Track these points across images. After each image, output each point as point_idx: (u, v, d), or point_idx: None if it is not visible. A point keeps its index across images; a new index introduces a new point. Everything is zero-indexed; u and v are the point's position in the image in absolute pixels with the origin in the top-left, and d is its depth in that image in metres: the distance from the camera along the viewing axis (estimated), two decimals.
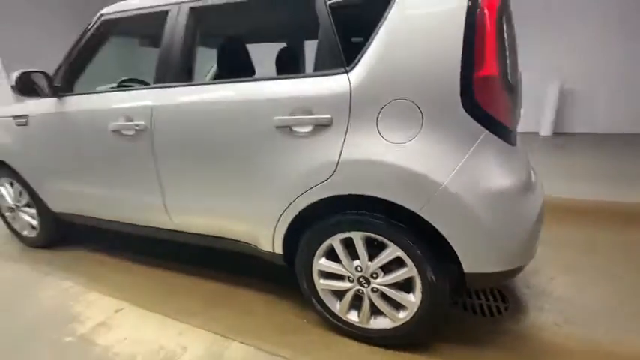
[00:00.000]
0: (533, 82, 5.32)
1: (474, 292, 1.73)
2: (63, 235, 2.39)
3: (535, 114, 5.38)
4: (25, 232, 2.40)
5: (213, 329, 1.54)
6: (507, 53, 1.12)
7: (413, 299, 1.28)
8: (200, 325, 1.57)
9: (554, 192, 2.75)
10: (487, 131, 1.10)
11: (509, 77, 1.12)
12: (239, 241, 1.59)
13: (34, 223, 2.30)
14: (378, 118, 1.17)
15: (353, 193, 1.22)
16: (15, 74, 1.70)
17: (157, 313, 1.67)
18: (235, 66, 1.70)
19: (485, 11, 1.06)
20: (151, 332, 1.55)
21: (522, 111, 1.33)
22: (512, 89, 1.15)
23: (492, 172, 1.11)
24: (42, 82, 1.79)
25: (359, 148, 1.19)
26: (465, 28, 1.06)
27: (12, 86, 1.70)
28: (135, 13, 1.67)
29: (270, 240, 1.45)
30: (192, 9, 1.51)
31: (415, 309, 1.29)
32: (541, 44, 5.16)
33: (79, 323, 1.63)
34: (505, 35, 1.11)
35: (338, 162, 1.21)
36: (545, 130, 5.40)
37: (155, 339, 1.51)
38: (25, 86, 1.74)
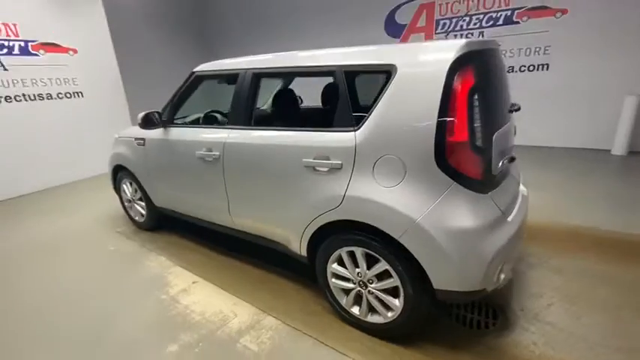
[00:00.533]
0: (608, 94, 4.93)
1: (469, 307, 2.02)
2: (162, 223, 3.25)
3: (607, 130, 4.97)
4: (136, 218, 3.33)
5: (255, 304, 2.13)
6: (479, 122, 1.43)
7: (397, 304, 1.68)
8: (248, 301, 2.17)
9: (612, 225, 2.76)
10: (455, 183, 1.44)
11: (478, 142, 1.44)
12: (277, 242, 2.15)
13: (143, 212, 3.20)
14: (374, 167, 1.59)
15: (353, 219, 1.66)
16: (140, 115, 2.50)
17: (220, 288, 2.33)
18: (284, 113, 2.26)
19: (458, 91, 1.40)
20: (215, 300, 2.20)
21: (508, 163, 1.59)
22: (483, 150, 1.46)
23: (457, 215, 1.45)
24: (155, 117, 2.57)
25: (359, 187, 1.63)
26: (440, 103, 1.42)
27: (138, 123, 2.50)
28: (217, 72, 2.33)
29: (298, 244, 1.97)
30: (254, 74, 2.10)
31: (399, 312, 1.68)
32: (619, 52, 4.75)
33: (170, 287, 2.37)
34: (478, 106, 1.43)
35: (344, 195, 1.67)
36: (619, 148, 4.94)
37: (217, 305, 2.15)
38: (146, 122, 2.53)
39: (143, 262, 2.75)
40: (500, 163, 1.60)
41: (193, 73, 2.48)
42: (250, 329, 1.94)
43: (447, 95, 1.41)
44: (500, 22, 5.47)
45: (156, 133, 2.68)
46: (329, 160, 1.72)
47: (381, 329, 1.79)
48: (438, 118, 1.42)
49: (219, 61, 2.37)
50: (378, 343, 1.80)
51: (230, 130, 2.20)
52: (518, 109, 2.03)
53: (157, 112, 2.57)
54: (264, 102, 3.29)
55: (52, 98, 4.97)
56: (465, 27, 5.77)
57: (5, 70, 4.49)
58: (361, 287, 1.79)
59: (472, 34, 5.73)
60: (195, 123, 2.96)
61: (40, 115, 4.85)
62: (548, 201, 3.37)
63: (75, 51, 5.16)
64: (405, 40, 6.42)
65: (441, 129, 1.42)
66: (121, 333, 1.99)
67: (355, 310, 1.86)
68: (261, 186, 2.06)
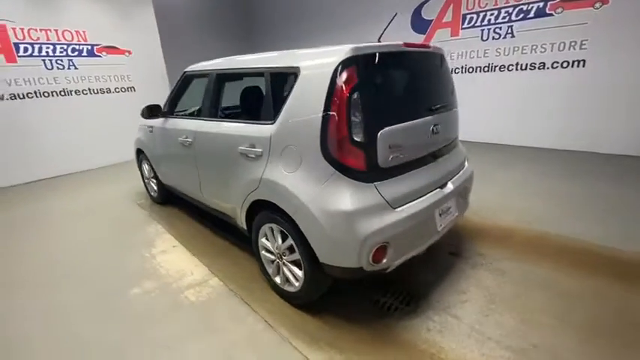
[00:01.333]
0: None
1: (388, 292, 2.17)
2: (169, 198, 3.85)
3: None
4: (152, 193, 4.00)
5: (210, 268, 2.54)
6: (359, 119, 1.62)
7: (300, 275, 1.93)
8: (206, 264, 2.59)
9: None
10: (336, 171, 1.65)
11: (358, 137, 1.62)
12: (230, 216, 2.52)
13: (155, 188, 3.83)
14: (281, 154, 1.86)
15: (266, 199, 1.95)
16: (143, 107, 3.06)
17: (190, 253, 2.79)
18: (240, 107, 2.62)
19: (339, 90, 1.60)
20: (182, 261, 2.67)
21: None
22: (364, 145, 1.64)
23: (336, 199, 1.65)
24: (157, 110, 3.11)
25: (271, 172, 1.91)
26: (325, 100, 1.63)
27: (141, 113, 3.07)
28: (198, 72, 2.77)
29: (239, 218, 2.31)
30: (216, 74, 2.48)
31: (302, 282, 1.93)
32: None
33: (154, 248, 2.91)
34: (360, 105, 1.61)
35: (261, 178, 1.96)
36: None
37: (182, 265, 2.61)
38: (146, 113, 3.08)
39: (144, 227, 3.35)
40: (390, 157, 1.74)
41: (185, 72, 2.96)
42: (197, 285, 2.35)
43: (330, 94, 1.62)
44: (532, 14, 5.08)
45: (159, 122, 3.24)
46: (254, 148, 2.03)
47: (293, 297, 2.06)
48: (323, 113, 1.64)
49: (202, 62, 2.81)
50: (290, 309, 2.07)
51: (201, 120, 2.62)
52: (451, 107, 2.10)
53: (157, 105, 3.11)
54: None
55: (110, 92, 6.00)
56: (492, 21, 5.47)
57: (76, 69, 5.58)
58: (279, 259, 2.07)
59: (500, 28, 5.41)
60: (191, 115, 3.47)
61: (100, 105, 5.91)
62: (547, 212, 3.22)
63: (130, 52, 6.14)
64: (430, 36, 6.29)
65: (324, 123, 1.64)
66: (104, 275, 2.56)
67: (277, 279, 2.15)
68: (216, 168, 2.46)
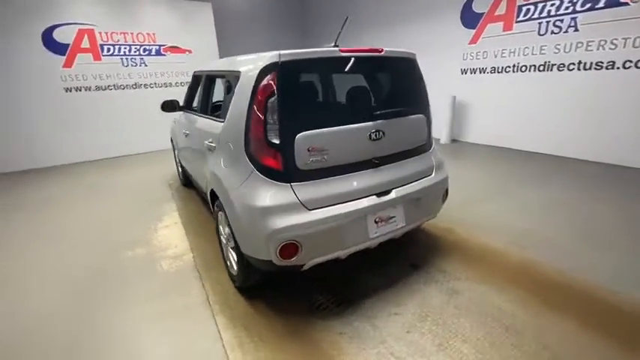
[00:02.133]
0: None
1: (324, 291, 2.22)
2: (190, 181, 4.39)
3: None
4: (180, 176, 4.60)
5: (192, 245, 2.90)
6: (276, 122, 1.72)
7: (235, 260, 2.12)
8: (190, 242, 2.97)
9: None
10: (255, 170, 1.79)
11: (274, 139, 1.73)
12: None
13: (180, 171, 4.41)
14: (223, 150, 2.06)
15: (213, 188, 2.18)
16: (162, 101, 3.56)
17: (185, 230, 3.21)
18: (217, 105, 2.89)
19: (259, 94, 1.73)
20: (175, 237, 3.09)
21: None
22: (281, 146, 1.74)
23: (252, 194, 1.79)
24: (172, 104, 3.59)
25: (215, 165, 2.13)
26: (249, 103, 1.78)
27: (160, 106, 3.58)
28: (199, 72, 3.12)
29: (209, 201, 2.60)
30: (205, 75, 2.78)
31: (237, 267, 2.12)
32: None
33: (160, 222, 3.41)
34: (278, 109, 1.71)
35: (211, 170, 2.20)
36: None
37: (173, 239, 3.03)
38: (164, 106, 3.57)
39: (163, 204, 3.92)
40: (310, 160, 1.79)
41: (194, 73, 3.35)
42: (173, 258, 2.72)
43: (252, 97, 1.75)
44: (601, 4, 4.29)
45: (178, 115, 3.73)
46: (212, 143, 2.27)
47: (233, 279, 2.27)
48: (246, 114, 1.78)
49: (206, 64, 3.16)
50: (233, 290, 2.28)
51: (195, 115, 2.97)
52: (407, 114, 2.04)
53: (174, 100, 3.58)
54: None
55: (171, 86, 6.94)
56: (553, 12, 4.76)
57: (146, 66, 6.60)
58: (227, 243, 2.30)
59: (562, 20, 4.68)
60: (194, 110, 3.88)
61: (163, 97, 6.85)
62: (557, 239, 2.84)
63: (190, 51, 6.98)
64: (479, 31, 5.74)
65: (247, 124, 1.78)
66: (112, 237, 3.12)
67: (228, 262, 2.39)
68: (196, 158, 2.79)
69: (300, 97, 1.82)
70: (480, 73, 5.93)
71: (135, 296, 2.28)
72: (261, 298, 2.19)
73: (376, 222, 2.01)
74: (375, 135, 1.96)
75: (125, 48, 6.33)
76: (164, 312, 2.11)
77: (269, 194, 1.77)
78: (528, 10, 5.02)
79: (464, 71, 6.19)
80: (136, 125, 6.66)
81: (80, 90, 6.11)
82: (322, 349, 1.78)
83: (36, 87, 5.73)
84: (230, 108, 2.02)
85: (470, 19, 5.85)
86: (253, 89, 1.75)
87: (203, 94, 2.86)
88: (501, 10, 5.36)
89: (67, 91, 6.00)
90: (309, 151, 1.78)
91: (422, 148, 2.31)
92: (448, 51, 6.33)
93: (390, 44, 7.68)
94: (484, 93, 5.95)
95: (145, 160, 6.32)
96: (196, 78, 3.37)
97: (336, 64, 1.89)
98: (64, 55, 5.87)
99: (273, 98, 1.71)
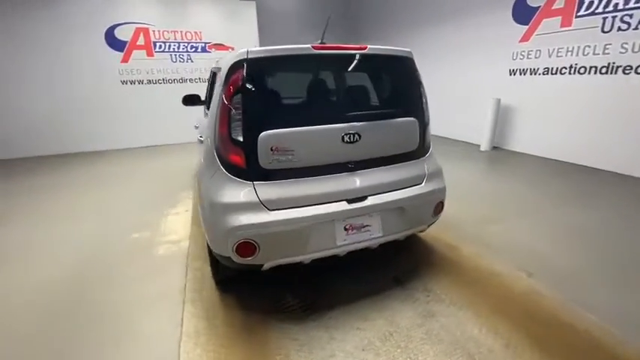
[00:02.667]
0: None
1: (297, 293, 2.18)
2: None
3: None
4: None
5: (190, 233, 3.05)
6: (240, 119, 1.72)
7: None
8: (190, 230, 3.12)
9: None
10: (221, 166, 1.81)
11: (237, 136, 1.73)
12: None
13: None
14: (204, 144, 2.11)
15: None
16: (184, 95, 3.77)
17: (191, 219, 3.38)
18: None
19: (226, 90, 1.74)
20: (180, 225, 3.27)
21: None
22: (244, 144, 1.73)
23: (216, 190, 1.81)
24: (196, 98, 3.78)
25: (199, 159, 2.20)
26: (219, 101, 1.80)
27: (182, 100, 3.80)
28: (216, 69, 3.25)
29: None
30: (212, 71, 2.88)
31: (209, 260, 2.18)
32: None
33: (174, 209, 3.64)
34: (241, 106, 1.71)
35: (199, 159, 2.28)
36: None
37: (177, 228, 3.22)
38: (185, 100, 3.78)
39: (181, 192, 4.18)
40: (273, 160, 1.75)
41: (212, 69, 3.49)
42: (171, 243, 2.89)
43: (222, 93, 1.77)
44: None
45: (201, 109, 3.93)
46: (201, 137, 2.35)
47: (213, 273, 2.33)
48: (216, 111, 1.81)
49: None
50: (210, 283, 2.33)
51: (205, 110, 3.11)
52: (391, 117, 1.91)
53: (196, 95, 3.78)
54: None
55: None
56: (621, 6, 4.06)
57: (192, 62, 7.07)
58: None
59: (631, 15, 3.98)
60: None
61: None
62: (576, 269, 2.46)
63: (233, 48, 7.31)
64: (533, 27, 5.12)
65: (215, 121, 1.80)
66: (127, 219, 3.40)
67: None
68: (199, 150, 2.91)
69: (265, 95, 1.79)
70: (531, 74, 5.30)
71: (123, 276, 2.46)
72: (234, 292, 2.21)
73: (346, 229, 1.91)
74: (350, 138, 1.85)
75: (174, 45, 6.85)
76: (143, 294, 2.24)
77: (230, 191, 1.77)
78: (591, 3, 4.34)
79: (512, 72, 5.59)
80: (179, 117, 7.17)
81: (134, 83, 6.77)
82: (269, 351, 1.74)
83: (97, 80, 6.48)
84: (211, 104, 2.07)
85: (523, 13, 5.25)
86: (223, 85, 1.76)
87: (209, 90, 2.97)
88: (560, 3, 4.72)
89: (122, 84, 6.69)
90: (272, 150, 1.74)
91: (412, 154, 2.13)
92: (495, 49, 5.77)
93: (430, 43, 7.25)
94: (535, 97, 5.32)
95: (181, 150, 6.80)
96: (212, 73, 3.51)
97: (308, 62, 1.82)
98: (122, 51, 6.55)
99: (238, 95, 1.71)
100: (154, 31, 6.65)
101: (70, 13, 6.09)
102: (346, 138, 1.85)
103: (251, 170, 1.77)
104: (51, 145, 6.48)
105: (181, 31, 6.84)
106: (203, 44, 7.08)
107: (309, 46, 1.79)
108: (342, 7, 9.70)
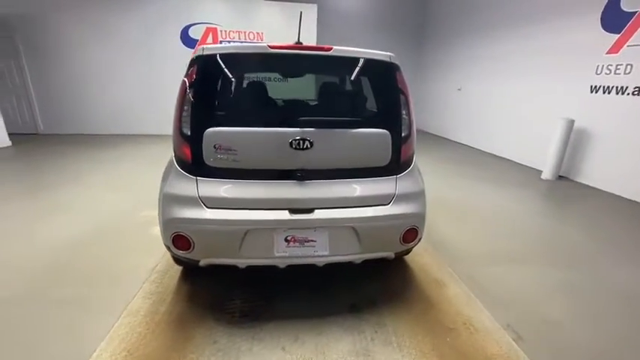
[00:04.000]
0: None
1: (250, 300, 2.13)
2: None
3: None
4: None
5: None
6: (188, 114, 1.74)
7: None
8: None
9: None
10: (173, 157, 1.86)
11: (185, 130, 1.76)
12: None
13: None
14: None
15: None
16: None
17: None
18: None
19: (182, 88, 1.78)
20: None
21: None
22: (190, 139, 1.75)
23: (164, 180, 1.88)
24: None
25: None
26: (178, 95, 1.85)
27: None
28: None
29: None
30: None
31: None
32: None
33: None
34: (192, 101, 1.73)
35: None
36: None
37: None
38: None
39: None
40: (216, 158, 1.72)
41: None
42: None
43: (180, 88, 1.81)
44: None
45: None
46: None
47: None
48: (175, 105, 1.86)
49: None
50: (177, 269, 2.44)
51: None
52: (354, 126, 1.75)
53: None
54: None
55: None
56: None
57: None
58: None
59: None
60: None
61: None
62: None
63: None
64: (627, 35, 4.17)
65: (174, 114, 1.86)
66: (140, 198, 3.73)
67: None
68: None
69: (215, 93, 1.77)
70: (620, 93, 4.31)
71: (115, 249, 2.72)
72: (194, 282, 2.27)
73: (287, 241, 1.79)
74: (299, 144, 1.73)
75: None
76: (119, 268, 2.44)
77: (174, 183, 1.82)
78: None
79: (594, 89, 4.62)
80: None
81: None
82: (186, 348, 1.73)
83: (173, 73, 7.33)
84: None
85: (614, 20, 4.30)
86: (182, 81, 1.80)
87: None
88: None
89: None
90: (215, 148, 1.73)
91: (380, 170, 1.89)
92: (574, 61, 4.85)
93: (492, 51, 6.45)
94: (619, 121, 4.32)
95: None
96: None
97: (264, 61, 1.75)
98: (193, 48, 7.28)
99: (190, 90, 1.73)
100: (221, 30, 7.24)
101: (151, 13, 7.02)
102: (295, 144, 1.73)
103: (195, 165, 1.78)
104: (132, 126, 7.57)
105: (245, 32, 7.32)
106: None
107: (265, 44, 1.72)
108: (413, 8, 9.25)
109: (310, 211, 1.79)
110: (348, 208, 1.82)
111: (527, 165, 5.77)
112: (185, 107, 1.74)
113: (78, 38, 7.07)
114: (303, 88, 1.93)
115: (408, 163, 1.99)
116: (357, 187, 1.85)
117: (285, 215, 1.76)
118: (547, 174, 5.09)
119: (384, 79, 1.86)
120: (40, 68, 7.14)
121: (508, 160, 6.22)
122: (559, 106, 5.07)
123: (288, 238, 1.79)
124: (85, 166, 5.03)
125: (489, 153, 6.79)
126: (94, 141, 6.88)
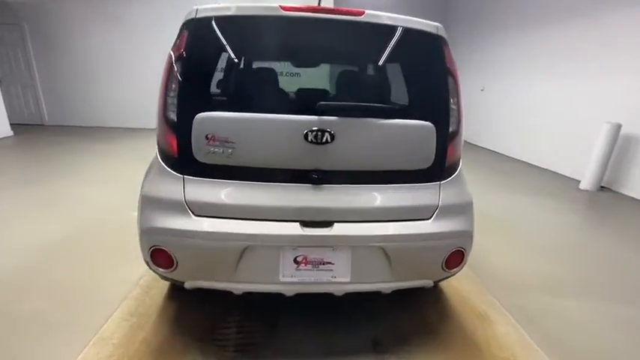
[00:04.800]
0: None
1: (243, 327, 1.73)
2: None
3: None
4: None
5: None
6: (175, 94, 1.34)
7: None
8: None
9: None
10: (157, 150, 1.48)
11: (171, 115, 1.36)
12: None
13: None
14: None
15: None
16: None
17: None
18: None
19: (168, 61, 1.38)
20: None
21: None
22: (177, 126, 1.35)
23: (145, 178, 1.50)
24: None
25: None
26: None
27: None
28: None
29: None
30: None
31: None
32: None
33: None
34: (180, 77, 1.33)
35: None
36: None
37: None
38: None
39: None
40: (209, 151, 1.33)
41: None
42: None
43: (165, 62, 1.42)
44: None
45: None
46: None
47: None
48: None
49: None
50: (163, 284, 2.05)
51: None
52: (371, 112, 1.33)
53: None
54: None
55: None
56: None
57: None
58: None
59: None
60: None
61: None
62: None
63: None
64: None
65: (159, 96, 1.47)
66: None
67: None
68: None
69: (209, 68, 1.37)
70: None
71: (96, 255, 2.36)
72: (185, 299, 1.89)
73: (297, 262, 1.39)
74: (317, 136, 1.31)
75: None
76: (97, 279, 2.08)
77: (156, 183, 1.43)
78: None
79: None
80: None
81: None
82: None
83: None
84: None
85: None
86: (169, 53, 1.41)
87: None
88: None
89: None
90: (207, 139, 1.33)
91: (420, 174, 1.47)
92: (628, 58, 4.30)
93: (530, 48, 5.92)
94: None
95: None
96: None
97: (274, 27, 1.34)
98: None
99: (178, 64, 1.34)
100: None
101: (164, 0, 6.73)
102: (311, 136, 1.31)
103: (183, 161, 1.39)
104: (141, 119, 7.26)
105: None
106: None
107: (276, 5, 1.31)
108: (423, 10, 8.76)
109: (328, 224, 1.37)
110: (377, 223, 1.40)
111: (561, 173, 5.21)
112: (171, 86, 1.35)
113: (87, 28, 6.84)
114: (322, 63, 1.49)
115: (454, 167, 1.56)
116: (390, 196, 1.43)
117: (295, 229, 1.35)
118: (587, 184, 4.55)
119: (429, 57, 1.43)
120: (48, 58, 6.94)
121: (537, 167, 5.67)
122: (603, 108, 4.53)
123: (299, 258, 1.38)
124: (83, 160, 4.75)
125: (514, 158, 6.24)
126: (100, 134, 6.62)
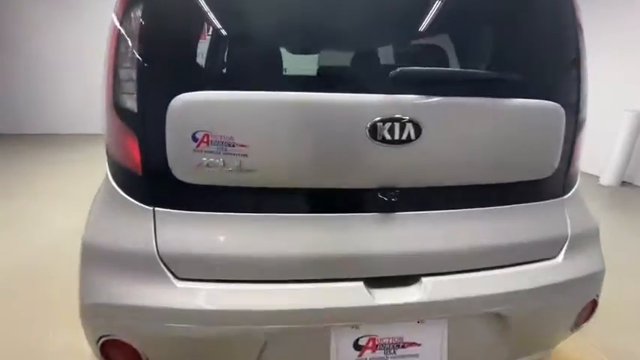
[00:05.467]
0: None
1: None
2: None
3: None
4: None
5: None
6: (136, 66, 0.74)
7: None
8: None
9: None
10: (107, 166, 0.86)
11: (125, 102, 0.76)
12: None
13: None
14: None
15: None
16: None
17: None
18: None
19: (113, 18, 0.77)
20: None
21: None
22: (139, 121, 0.75)
23: (88, 215, 0.87)
24: None
25: None
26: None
27: None
28: None
29: None
30: None
31: None
32: None
33: None
34: (144, 36, 0.74)
35: None
36: None
37: None
38: None
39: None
40: (201, 162, 0.73)
41: None
42: None
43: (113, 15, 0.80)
44: None
45: None
46: None
47: None
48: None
49: None
50: None
51: None
52: (477, 90, 0.78)
53: None
54: None
55: None
56: None
57: None
58: None
59: None
60: None
61: None
62: None
63: None
64: None
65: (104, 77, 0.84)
66: None
67: None
68: None
69: (192, 14, 0.76)
70: None
71: (41, 306, 1.68)
72: None
73: (359, 347, 0.80)
74: (392, 131, 0.73)
75: None
76: (35, 349, 1.41)
77: (105, 220, 0.82)
78: None
79: None
80: None
81: None
82: None
83: None
84: None
85: None
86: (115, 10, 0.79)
87: None
88: None
89: None
90: (195, 140, 0.72)
91: (538, 187, 0.92)
92: None
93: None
94: None
95: None
96: None
97: None
98: None
99: (135, 12, 0.73)
100: None
101: None
102: (384, 130, 0.73)
103: (152, 181, 0.78)
104: None
105: None
106: None
107: None
108: None
109: (411, 280, 0.80)
110: (491, 271, 0.83)
111: None
112: (123, 52, 0.74)
113: (41, 22, 5.97)
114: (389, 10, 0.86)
115: (576, 175, 1.04)
116: (507, 225, 0.87)
117: (356, 294, 0.77)
118: (608, 179, 4.20)
119: (553, 9, 0.89)
120: None
121: None
122: (624, 96, 4.20)
123: (362, 341, 0.80)
124: (42, 171, 3.96)
125: None
126: (62, 141, 5.75)
